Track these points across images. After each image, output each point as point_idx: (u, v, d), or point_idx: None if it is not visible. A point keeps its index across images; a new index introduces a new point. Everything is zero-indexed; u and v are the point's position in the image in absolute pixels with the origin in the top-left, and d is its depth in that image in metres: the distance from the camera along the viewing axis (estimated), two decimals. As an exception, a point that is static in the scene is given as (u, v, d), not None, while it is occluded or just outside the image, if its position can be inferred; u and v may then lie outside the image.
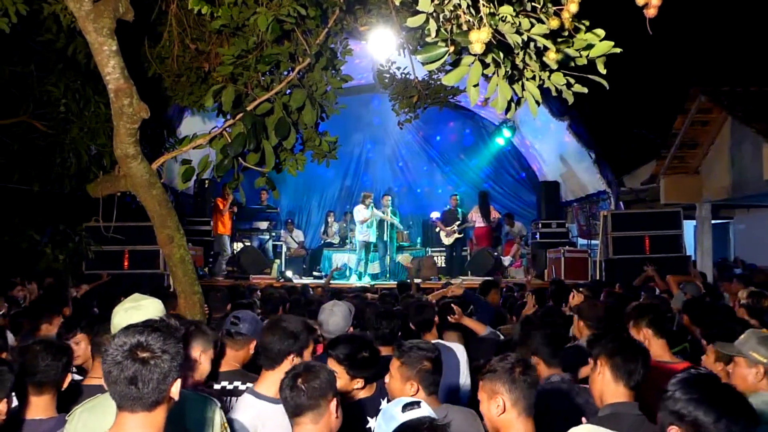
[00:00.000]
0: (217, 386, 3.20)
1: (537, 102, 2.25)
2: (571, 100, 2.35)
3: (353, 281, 12.03)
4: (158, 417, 1.77)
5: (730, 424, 1.85)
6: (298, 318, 3.09)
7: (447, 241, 13.02)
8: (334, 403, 2.34)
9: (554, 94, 2.33)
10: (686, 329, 4.83)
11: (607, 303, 5.41)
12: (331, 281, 10.49)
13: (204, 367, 2.84)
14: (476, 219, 13.28)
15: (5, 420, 2.46)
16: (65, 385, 2.75)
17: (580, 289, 6.28)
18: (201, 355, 2.81)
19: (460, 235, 13.00)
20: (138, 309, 2.49)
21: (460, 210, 13.28)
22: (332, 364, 2.89)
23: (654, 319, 3.57)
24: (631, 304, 4.08)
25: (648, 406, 2.72)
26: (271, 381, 2.78)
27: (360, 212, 12.26)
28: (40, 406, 2.63)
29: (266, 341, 2.89)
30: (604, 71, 2.26)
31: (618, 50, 2.23)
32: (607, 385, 2.65)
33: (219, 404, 2.48)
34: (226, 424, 2.46)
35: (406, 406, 2.03)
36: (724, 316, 4.31)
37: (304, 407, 2.29)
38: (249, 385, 3.12)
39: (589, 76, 2.28)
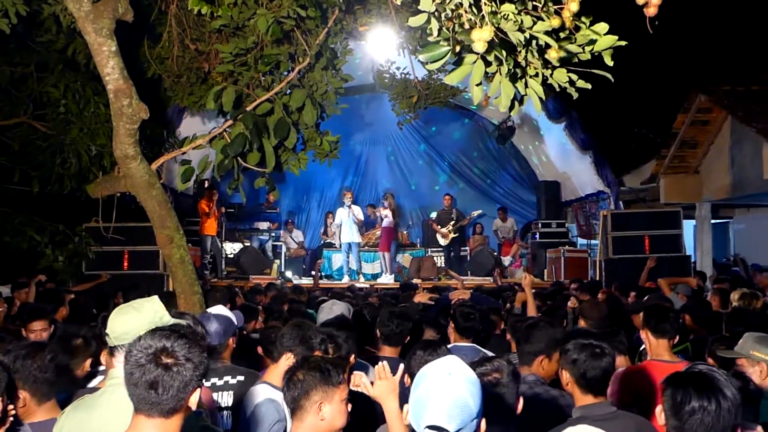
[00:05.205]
0: (220, 382, 3.25)
1: (540, 99, 2.25)
2: (575, 96, 2.35)
3: (345, 282, 11.97)
4: (174, 424, 1.74)
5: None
6: (326, 331, 3.14)
7: (443, 242, 12.96)
8: (318, 405, 2.22)
9: (557, 90, 2.33)
10: (687, 330, 4.81)
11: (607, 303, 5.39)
12: (320, 281, 10.41)
13: None
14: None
15: (2, 419, 2.44)
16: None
17: (574, 293, 6.32)
18: None
19: (456, 234, 12.93)
20: (128, 311, 2.45)
21: (454, 210, 13.24)
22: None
23: (652, 319, 3.55)
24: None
25: (645, 403, 2.74)
26: (277, 373, 2.86)
27: (338, 213, 12.29)
28: (39, 411, 2.60)
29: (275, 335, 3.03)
30: (611, 63, 2.26)
31: (623, 42, 2.23)
32: (574, 392, 2.69)
33: None
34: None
35: (432, 428, 1.64)
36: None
37: (290, 404, 2.28)
38: (240, 378, 3.23)
39: (594, 71, 2.28)
